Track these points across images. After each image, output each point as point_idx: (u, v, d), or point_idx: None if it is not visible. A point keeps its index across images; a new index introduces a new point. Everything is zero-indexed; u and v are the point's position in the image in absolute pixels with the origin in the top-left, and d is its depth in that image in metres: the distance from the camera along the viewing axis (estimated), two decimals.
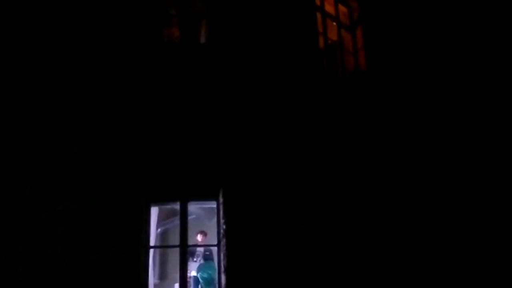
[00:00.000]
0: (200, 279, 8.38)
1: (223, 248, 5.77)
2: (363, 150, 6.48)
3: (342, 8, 7.64)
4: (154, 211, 7.07)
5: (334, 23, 7.46)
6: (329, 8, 7.45)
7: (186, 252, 5.97)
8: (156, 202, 6.24)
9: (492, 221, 6.32)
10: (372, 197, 6.23)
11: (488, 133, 6.78)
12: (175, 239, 6.34)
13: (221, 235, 5.83)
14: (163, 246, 9.61)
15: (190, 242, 6.67)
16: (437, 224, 6.26)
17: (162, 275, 9.73)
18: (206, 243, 8.50)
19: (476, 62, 7.16)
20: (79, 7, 6.35)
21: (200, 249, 8.62)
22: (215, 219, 6.13)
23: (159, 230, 8.88)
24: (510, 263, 6.11)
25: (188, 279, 7.91)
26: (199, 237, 8.58)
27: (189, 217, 6.13)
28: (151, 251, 6.23)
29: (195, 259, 8.59)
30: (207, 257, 8.60)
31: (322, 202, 6.02)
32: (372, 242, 6.01)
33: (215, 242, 6.15)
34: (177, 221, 6.36)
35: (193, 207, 7.56)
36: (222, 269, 5.72)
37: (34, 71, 6.09)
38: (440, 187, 6.45)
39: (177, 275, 6.09)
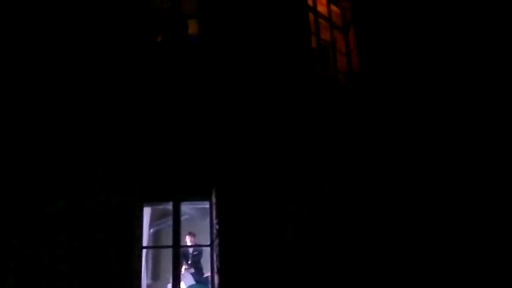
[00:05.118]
0: None
1: (216, 248, 5.77)
2: (354, 149, 6.50)
3: (334, 8, 7.66)
4: (147, 211, 7.05)
5: (327, 24, 7.48)
6: (321, 8, 7.46)
7: (179, 253, 5.96)
8: (149, 202, 6.23)
9: (492, 222, 6.33)
10: (364, 195, 6.25)
11: (481, 133, 6.81)
12: (167, 239, 6.33)
13: (214, 236, 5.83)
14: (156, 246, 9.58)
15: (183, 242, 6.66)
16: (432, 223, 6.29)
17: (155, 276, 9.70)
18: (195, 244, 8.47)
19: (469, 63, 7.20)
20: (72, 9, 6.34)
21: (189, 250, 8.60)
22: (208, 220, 6.12)
23: (151, 230, 8.84)
24: (510, 263, 6.14)
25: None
26: (188, 239, 8.54)
27: (182, 218, 6.13)
28: (144, 251, 6.22)
29: (187, 265, 8.53)
30: (196, 258, 8.58)
31: (315, 203, 6.04)
32: (366, 243, 6.04)
33: (208, 243, 6.14)
34: (170, 221, 6.35)
35: (186, 207, 7.55)
36: (215, 269, 5.72)
37: (27, 68, 6.08)
38: (433, 186, 6.48)
39: (170, 276, 6.08)
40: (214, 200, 5.91)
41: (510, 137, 6.72)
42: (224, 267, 5.62)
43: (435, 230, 6.27)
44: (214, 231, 5.83)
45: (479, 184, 6.50)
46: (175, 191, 5.92)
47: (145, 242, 6.40)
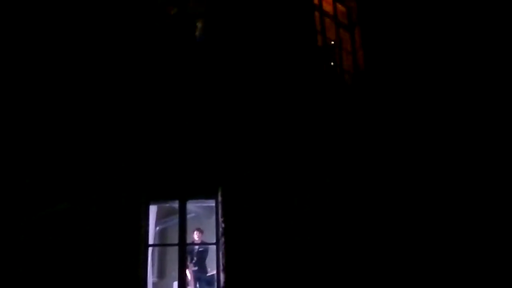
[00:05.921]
0: None
1: (221, 246, 5.78)
2: (361, 148, 6.50)
3: (340, 7, 7.65)
4: (153, 210, 7.08)
5: (333, 23, 7.48)
6: (327, 7, 7.46)
7: (185, 251, 5.98)
8: (155, 200, 6.25)
9: (492, 221, 6.33)
10: (370, 195, 6.25)
11: (487, 131, 6.80)
12: (173, 237, 6.36)
13: (220, 234, 5.85)
14: (162, 244, 9.62)
15: (190, 240, 6.67)
16: (433, 221, 6.30)
17: (161, 273, 9.74)
18: (202, 241, 8.53)
19: (474, 61, 7.18)
20: (76, 7, 6.37)
21: (194, 248, 8.65)
22: (213, 218, 6.14)
23: (158, 228, 8.89)
24: (510, 263, 6.13)
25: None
26: (196, 235, 8.60)
27: (188, 216, 6.14)
28: (150, 249, 6.25)
29: (193, 260, 8.61)
30: (201, 255, 8.64)
31: (321, 201, 6.04)
32: (371, 242, 6.04)
33: (214, 241, 6.17)
34: (176, 219, 6.37)
35: (192, 206, 7.57)
36: (221, 267, 5.74)
37: (33, 69, 6.11)
38: (437, 184, 6.47)
39: (176, 274, 6.11)
40: (220, 198, 5.93)
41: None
42: (229, 265, 5.64)
43: (438, 226, 6.27)
44: (220, 229, 5.85)
45: (481, 184, 6.49)
46: (181, 189, 5.93)
47: (151, 240, 6.43)
